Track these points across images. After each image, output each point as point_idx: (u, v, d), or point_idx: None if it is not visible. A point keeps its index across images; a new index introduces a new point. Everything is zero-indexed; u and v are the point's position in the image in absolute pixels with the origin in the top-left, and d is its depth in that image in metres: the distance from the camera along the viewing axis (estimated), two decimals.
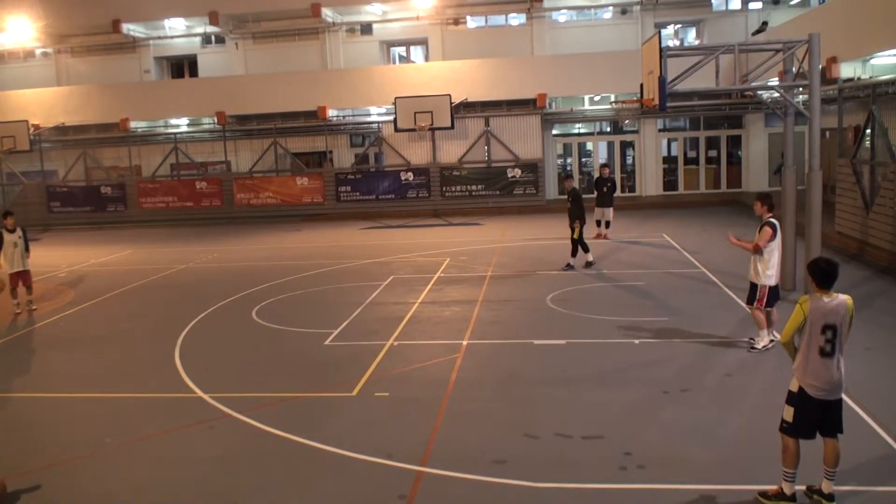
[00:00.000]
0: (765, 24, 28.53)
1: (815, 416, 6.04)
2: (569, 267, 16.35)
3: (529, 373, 9.72)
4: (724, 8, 30.68)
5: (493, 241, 21.43)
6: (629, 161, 31.35)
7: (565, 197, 17.36)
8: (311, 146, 32.09)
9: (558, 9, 31.44)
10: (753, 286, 10.22)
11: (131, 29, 32.55)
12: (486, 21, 32.43)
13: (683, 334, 11.04)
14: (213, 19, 30.56)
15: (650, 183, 30.30)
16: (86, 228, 31.08)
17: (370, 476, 6.93)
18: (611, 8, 31.10)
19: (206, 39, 34.41)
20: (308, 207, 30.19)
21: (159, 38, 34.03)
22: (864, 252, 16.31)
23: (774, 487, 6.20)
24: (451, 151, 29.68)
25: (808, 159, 12.61)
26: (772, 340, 10.15)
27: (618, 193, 30.46)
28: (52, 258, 22.07)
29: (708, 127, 30.50)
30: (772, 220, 10.24)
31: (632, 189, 30.87)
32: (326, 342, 11.52)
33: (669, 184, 30.65)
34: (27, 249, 14.75)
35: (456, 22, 31.76)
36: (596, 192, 21.01)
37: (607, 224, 20.70)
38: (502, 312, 12.93)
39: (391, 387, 9.34)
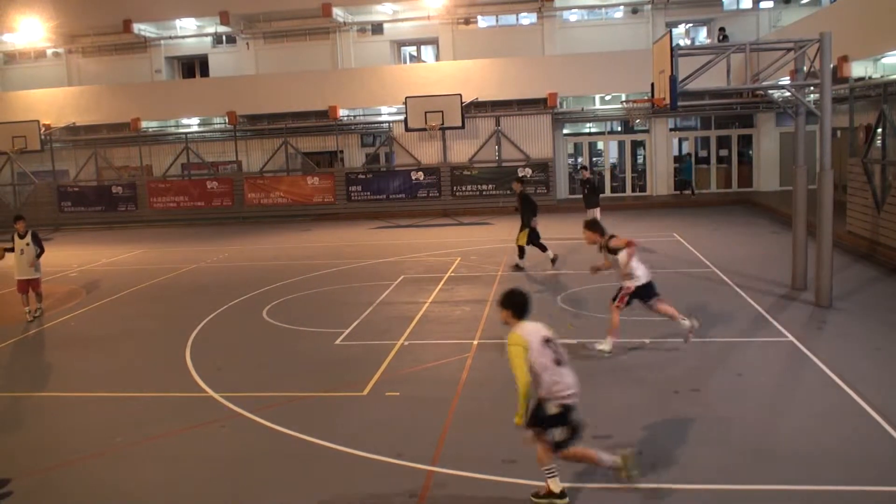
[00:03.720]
0: (721, 28, 28.74)
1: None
2: (520, 269, 16.46)
3: None
4: (735, 7, 30.56)
5: (504, 240, 21.40)
6: (640, 161, 31.28)
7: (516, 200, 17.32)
8: (322, 146, 32.17)
9: (569, 8, 31.42)
10: (621, 288, 10.39)
11: (142, 29, 32.73)
12: (497, 20, 32.44)
13: (694, 334, 10.99)
14: (224, 19, 30.68)
15: (661, 182, 30.24)
16: (97, 228, 31.25)
17: (381, 475, 6.95)
18: (622, 7, 31.06)
19: (217, 39, 34.53)
20: (319, 207, 30.27)
21: (170, 38, 34.19)
22: (875, 251, 16.23)
23: (546, 489, 6.26)
24: (461, 151, 29.70)
25: (819, 158, 12.55)
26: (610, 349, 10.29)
27: (628, 193, 30.75)
28: (64, 258, 22.20)
29: (719, 126, 30.42)
30: (613, 239, 10.29)
31: (642, 189, 30.82)
32: (337, 342, 11.55)
33: (680, 183, 30.58)
34: (39, 255, 14.12)
35: (467, 21, 31.77)
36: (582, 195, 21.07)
37: None
38: None
39: (402, 386, 9.36)
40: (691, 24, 31.77)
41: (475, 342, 11.06)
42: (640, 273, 10.33)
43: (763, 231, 20.97)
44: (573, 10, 31.80)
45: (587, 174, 21.21)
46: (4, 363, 11.79)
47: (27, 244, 14.08)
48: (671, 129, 30.70)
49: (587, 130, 32.05)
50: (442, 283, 15.62)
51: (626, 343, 10.74)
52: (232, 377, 10.13)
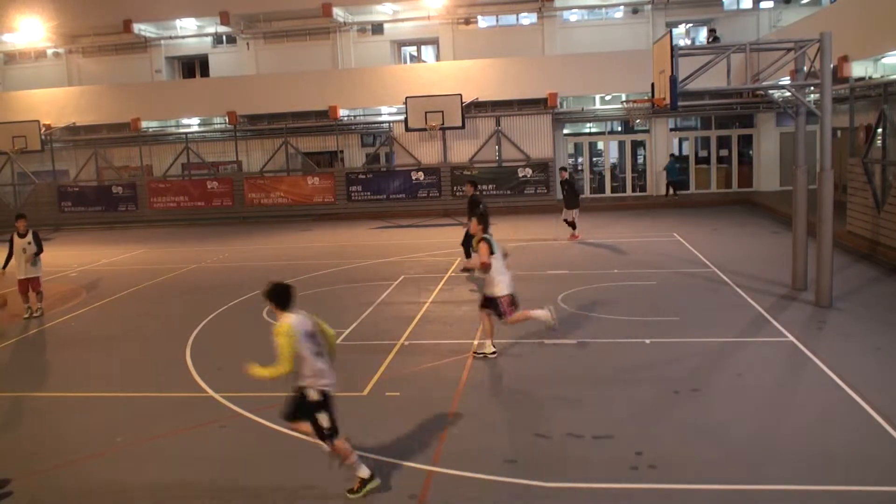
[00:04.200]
0: (712, 30, 28.72)
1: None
2: (471, 271, 16.47)
3: (540, 372, 9.73)
4: (735, 7, 30.58)
5: (504, 240, 21.30)
6: (640, 160, 31.28)
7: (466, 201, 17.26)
8: (322, 146, 32.18)
9: (569, 8, 31.43)
10: (493, 300, 10.22)
11: (143, 29, 32.72)
12: (497, 21, 32.45)
13: (694, 334, 11.03)
14: (225, 19, 30.68)
15: (661, 182, 30.22)
16: (97, 228, 31.25)
17: (381, 475, 6.93)
18: (622, 7, 31.07)
19: (218, 39, 34.53)
20: (319, 207, 30.27)
21: (170, 38, 34.19)
22: (875, 251, 16.23)
23: (357, 482, 6.62)
24: (461, 151, 29.71)
25: (819, 158, 12.56)
26: (494, 351, 10.36)
27: (628, 193, 30.74)
28: (64, 258, 22.20)
29: (719, 126, 30.41)
30: (485, 236, 10.40)
31: (643, 189, 30.81)
32: (337, 342, 11.48)
33: (680, 183, 30.56)
34: (38, 253, 14.18)
35: (467, 21, 31.78)
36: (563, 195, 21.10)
37: (573, 225, 20.61)
38: None
39: (402, 386, 9.36)
40: (691, 24, 31.79)
41: (475, 342, 11.05)
42: (504, 279, 10.31)
43: (763, 231, 20.97)
44: (573, 10, 31.80)
45: (565, 175, 21.23)
46: (5, 363, 11.79)
47: (28, 243, 14.10)
48: (671, 129, 30.70)
49: (587, 130, 32.05)
50: (442, 283, 15.63)
51: (625, 342, 10.75)
52: (232, 377, 10.09)
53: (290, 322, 6.48)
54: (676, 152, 30.83)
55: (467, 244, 16.52)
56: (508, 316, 10.20)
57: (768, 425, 7.63)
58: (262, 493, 6.80)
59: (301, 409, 6.65)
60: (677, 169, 29.75)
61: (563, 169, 22.40)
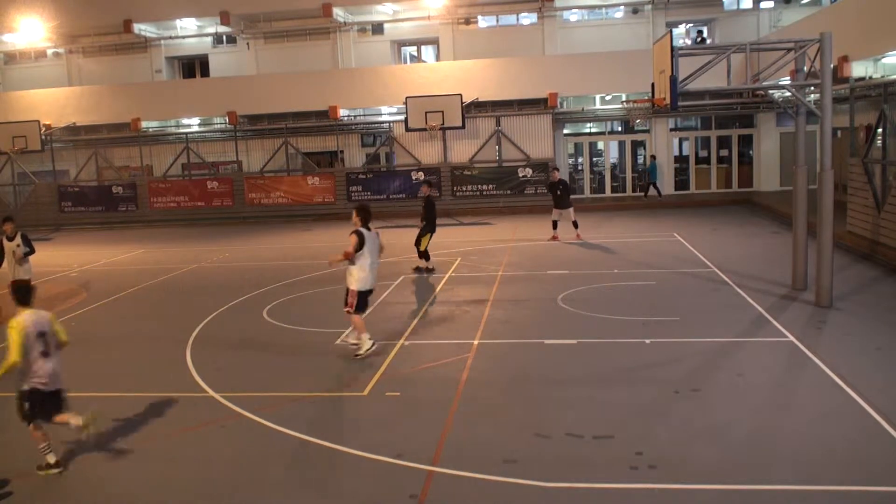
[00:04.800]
0: (700, 31, 28.67)
1: (50, 402, 7.35)
2: (422, 271, 16.77)
3: (540, 372, 9.73)
4: (735, 7, 30.58)
5: (504, 240, 21.42)
6: (640, 161, 31.27)
7: (421, 203, 17.37)
8: (322, 146, 32.17)
9: (569, 8, 31.43)
10: (347, 290, 10.63)
11: (143, 29, 32.71)
12: (498, 21, 32.44)
13: (695, 334, 11.03)
14: (225, 19, 30.68)
15: (661, 182, 30.21)
16: (97, 228, 31.24)
17: (381, 475, 6.95)
18: (622, 7, 31.06)
19: (218, 39, 34.53)
20: (319, 207, 30.27)
21: (171, 38, 34.18)
22: (875, 251, 16.23)
23: (45, 463, 7.29)
24: (462, 151, 29.71)
25: (819, 158, 12.56)
26: (373, 344, 10.61)
27: (628, 193, 30.74)
28: (64, 258, 22.21)
29: (719, 126, 30.41)
30: (359, 229, 10.65)
31: (643, 189, 30.78)
32: (337, 341, 11.54)
33: (681, 183, 30.57)
34: (27, 255, 13.73)
35: (467, 21, 31.78)
36: (551, 196, 21.01)
37: (574, 224, 20.61)
38: (513, 312, 12.93)
39: (402, 386, 9.36)
40: (692, 25, 31.78)
41: (475, 342, 11.06)
42: (365, 276, 10.66)
43: (763, 231, 20.97)
44: (573, 10, 31.80)
45: (558, 175, 21.20)
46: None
47: (17, 245, 13.68)
48: (672, 129, 30.69)
49: (587, 130, 32.05)
50: (442, 283, 15.63)
51: (625, 342, 10.75)
52: (232, 377, 10.13)
53: (24, 319, 7.16)
54: (676, 152, 30.85)
55: (418, 243, 16.85)
56: (348, 310, 10.58)
57: (768, 425, 7.63)
58: (261, 493, 6.80)
59: (24, 401, 7.28)
60: (657, 170, 29.87)
61: (555, 168, 22.43)
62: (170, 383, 10.03)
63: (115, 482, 7.22)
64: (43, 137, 30.98)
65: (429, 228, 16.76)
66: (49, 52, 35.55)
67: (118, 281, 17.88)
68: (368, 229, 10.85)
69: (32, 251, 13.96)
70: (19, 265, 13.70)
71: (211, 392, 9.50)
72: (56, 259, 21.38)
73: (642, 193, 29.78)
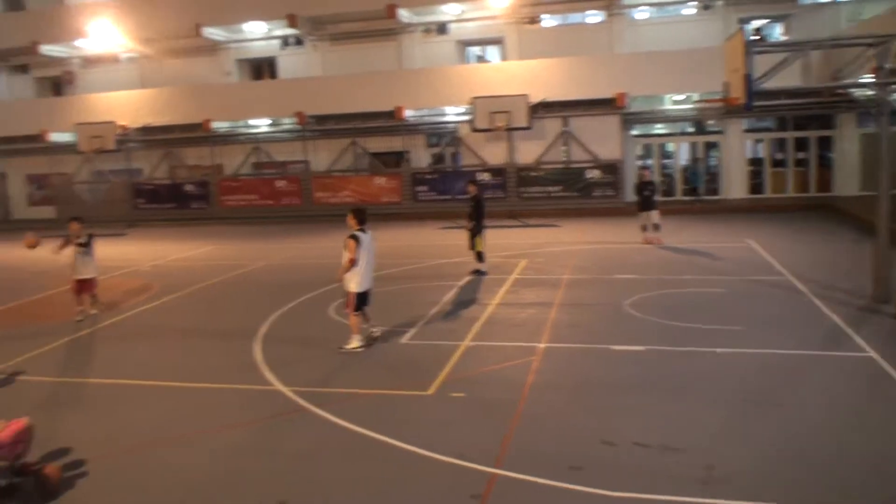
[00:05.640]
0: (758, 30, 27.74)
1: None
2: (480, 273, 16.60)
3: (607, 378, 9.54)
4: (811, 1, 29.53)
5: (571, 243, 21.18)
6: (712, 163, 30.56)
7: (469, 203, 17.09)
8: (389, 146, 32.33)
9: (638, 5, 30.82)
10: (347, 293, 11.03)
11: (213, 33, 33.29)
12: (564, 19, 32.09)
13: (767, 345, 10.61)
14: (292, 22, 31.03)
15: (735, 186, 29.47)
16: (169, 225, 32.03)
17: (443, 475, 6.90)
18: (693, 3, 30.36)
19: (285, 42, 34.96)
20: (385, 207, 30.41)
21: (240, 41, 34.75)
22: None
23: None
24: (528, 152, 29.50)
25: None
26: (360, 346, 11.00)
27: (700, 197, 30.05)
28: (137, 253, 22.80)
29: (796, 127, 29.43)
30: (355, 232, 10.92)
31: (715, 192, 30.05)
32: (403, 340, 11.54)
33: (755, 187, 29.73)
34: (87, 245, 13.86)
35: (532, 21, 31.51)
36: (638, 198, 20.51)
37: (656, 227, 20.17)
38: (580, 316, 12.74)
39: (467, 387, 9.28)
40: (766, 20, 30.81)
41: (541, 345, 10.91)
42: (360, 280, 10.93)
43: (842, 238, 20.19)
44: (642, 8, 31.18)
45: (648, 175, 20.78)
46: (82, 351, 12.19)
47: (83, 244, 13.88)
48: (746, 130, 29.86)
49: (657, 131, 31.47)
50: (507, 284, 15.50)
51: (695, 351, 10.45)
52: (299, 372, 10.21)
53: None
54: (750, 154, 30.05)
55: (472, 245, 16.77)
56: (349, 311, 11.06)
57: (845, 444, 7.27)
58: (324, 486, 6.81)
59: None
60: (698, 173, 29.12)
61: (645, 168, 22.05)
62: (239, 376, 10.16)
63: (184, 469, 7.36)
64: (118, 138, 31.89)
65: (478, 228, 16.61)
66: (123, 56, 36.55)
67: (189, 276, 18.24)
68: (364, 231, 11.03)
69: (88, 247, 13.93)
70: (82, 258, 13.79)
71: (279, 386, 9.59)
72: (129, 254, 21.94)
73: (692, 198, 28.98)
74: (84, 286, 13.99)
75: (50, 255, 14.02)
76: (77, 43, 34.71)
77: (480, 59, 34.04)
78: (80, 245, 13.84)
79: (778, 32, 30.64)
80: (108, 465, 7.51)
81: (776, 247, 18.80)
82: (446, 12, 31.62)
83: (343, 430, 8.04)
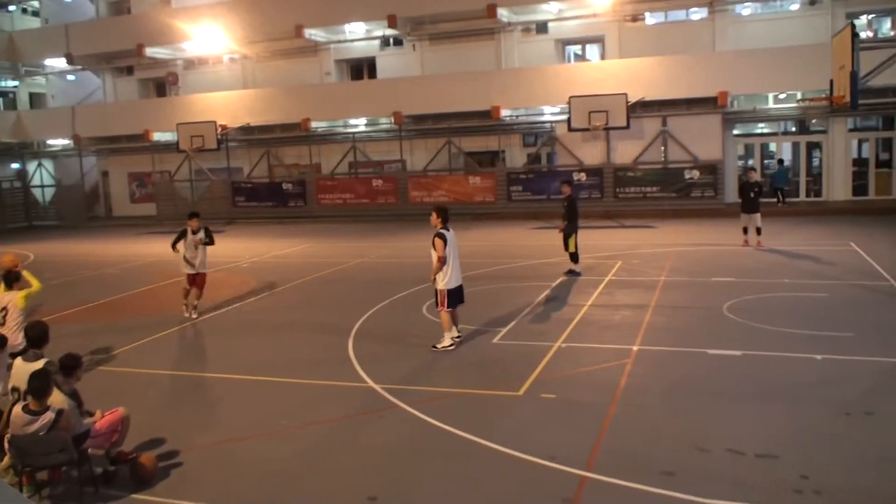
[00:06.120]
0: (851, 25, 26.17)
1: None
2: (573, 273, 16.48)
3: (702, 383, 9.39)
4: None
5: (668, 244, 20.84)
6: (815, 163, 29.50)
7: (562, 203, 16.87)
8: (484, 146, 32.45)
9: (742, 1, 29.95)
10: (436, 291, 11.11)
11: (313, 34, 34.00)
12: (666, 17, 31.52)
13: (871, 352, 10.22)
14: (392, 22, 31.43)
15: (838, 187, 28.36)
16: (267, 222, 32.98)
17: (533, 477, 6.93)
18: None
19: (385, 42, 35.46)
20: (480, 206, 30.53)
21: (339, 41, 35.40)
22: None
23: None
24: (625, 152, 29.12)
25: None
26: (451, 344, 11.10)
27: (802, 198, 29.07)
28: (235, 249, 23.59)
29: None
30: (441, 231, 11.11)
31: (818, 194, 29.01)
32: (495, 340, 11.62)
33: (859, 188, 28.52)
34: (206, 244, 14.36)
35: (634, 18, 31.05)
36: (742, 199, 19.84)
37: (758, 231, 19.54)
38: (675, 319, 12.56)
39: (558, 389, 9.28)
40: (874, 15, 29.46)
41: (635, 348, 10.82)
42: (449, 278, 11.07)
43: None
44: (746, 4, 30.29)
45: (755, 176, 20.20)
46: (181, 345, 12.80)
47: (200, 239, 14.37)
48: (851, 130, 28.72)
49: (759, 131, 30.55)
50: (602, 286, 15.38)
51: (794, 357, 10.17)
52: (391, 370, 10.38)
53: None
54: (856, 155, 28.87)
55: (566, 245, 16.66)
56: (441, 310, 11.13)
57: None
58: (413, 484, 6.96)
59: None
60: (785, 175, 28.12)
61: (751, 169, 21.55)
62: (332, 372, 10.42)
63: (275, 461, 7.58)
64: (219, 137, 32.99)
65: (572, 229, 16.53)
66: (225, 57, 37.83)
67: (286, 273, 18.79)
68: (448, 230, 11.23)
69: (211, 242, 14.62)
70: (194, 250, 14.26)
71: (371, 383, 9.79)
72: (228, 251, 22.70)
73: (776, 200, 27.98)
74: (195, 281, 14.43)
75: (171, 252, 14.59)
76: (181, 45, 36.08)
77: (579, 57, 33.77)
78: (203, 241, 14.35)
79: (887, 27, 29.26)
80: (201, 456, 7.79)
81: (880, 251, 18.02)
82: (546, 11, 31.37)
83: (432, 428, 8.16)
